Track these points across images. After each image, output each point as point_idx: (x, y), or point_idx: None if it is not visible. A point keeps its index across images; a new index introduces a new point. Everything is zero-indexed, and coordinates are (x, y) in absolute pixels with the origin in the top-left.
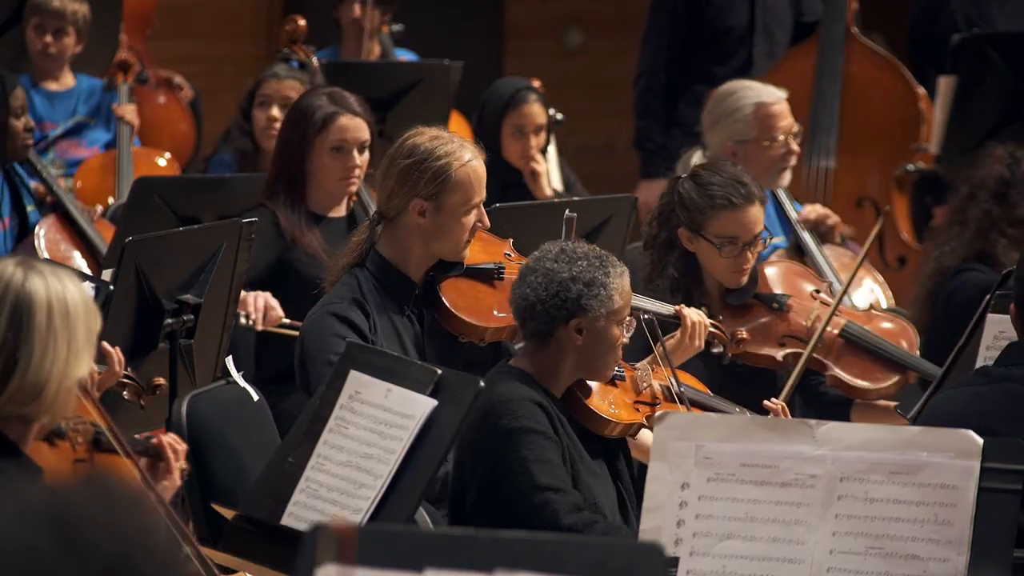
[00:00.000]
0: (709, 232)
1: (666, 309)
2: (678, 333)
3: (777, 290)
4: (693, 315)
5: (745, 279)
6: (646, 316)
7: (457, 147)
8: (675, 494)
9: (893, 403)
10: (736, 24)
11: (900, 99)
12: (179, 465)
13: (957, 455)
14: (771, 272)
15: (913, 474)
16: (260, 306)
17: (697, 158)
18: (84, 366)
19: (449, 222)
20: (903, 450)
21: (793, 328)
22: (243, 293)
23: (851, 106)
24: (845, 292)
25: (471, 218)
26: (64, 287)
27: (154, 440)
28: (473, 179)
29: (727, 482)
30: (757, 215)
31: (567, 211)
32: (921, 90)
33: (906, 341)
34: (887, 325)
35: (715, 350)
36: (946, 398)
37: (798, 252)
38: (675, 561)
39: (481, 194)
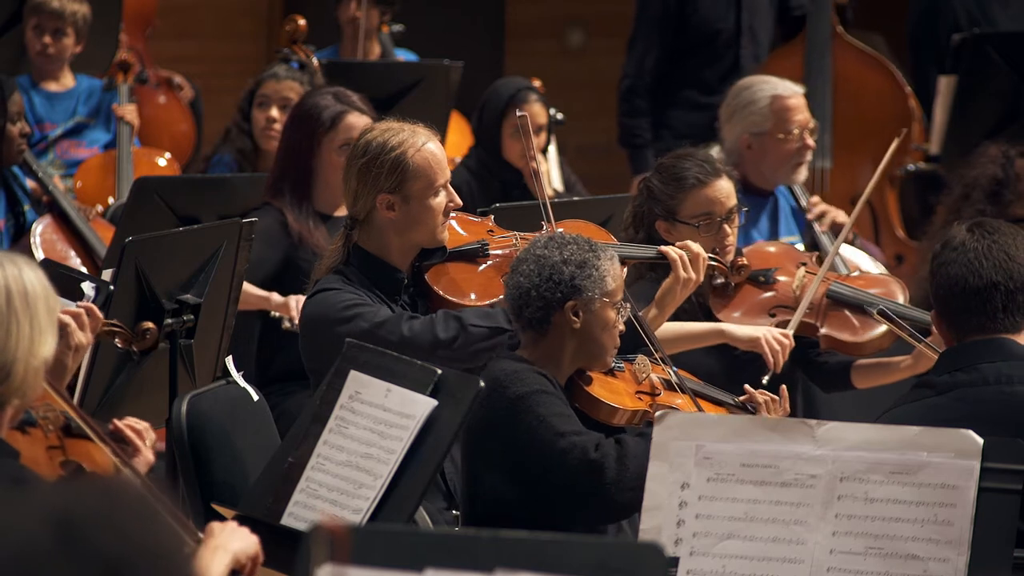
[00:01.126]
0: (684, 214)
1: (649, 252)
2: (671, 276)
3: (763, 266)
4: (673, 250)
5: (730, 259)
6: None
7: (409, 134)
8: (675, 494)
9: (893, 358)
10: (723, 28)
11: (889, 96)
12: (148, 442)
13: (957, 455)
14: (756, 251)
15: (913, 474)
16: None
17: (714, 153)
18: (48, 345)
19: (418, 209)
20: (903, 450)
21: (781, 298)
22: (282, 298)
23: (842, 105)
24: (835, 253)
25: (440, 200)
26: (20, 271)
27: (110, 427)
28: (432, 162)
29: (727, 482)
30: (728, 189)
31: (518, 111)
32: (908, 88)
33: (897, 295)
34: (876, 281)
35: (717, 281)
36: (900, 415)
37: (813, 249)
38: (675, 561)
39: (444, 175)
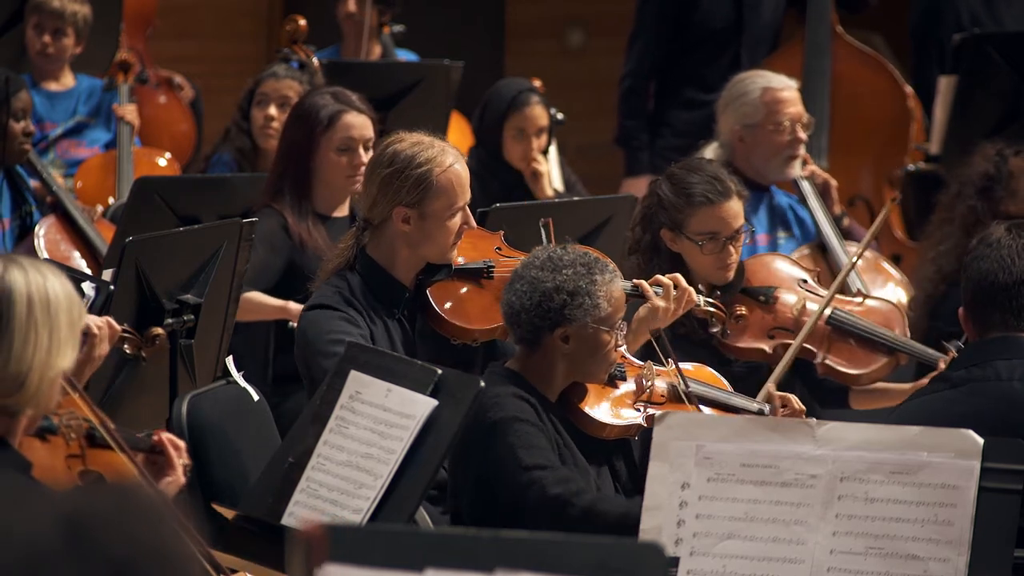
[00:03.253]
0: (690, 230)
1: (626, 285)
2: (647, 304)
3: (764, 282)
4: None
5: (731, 275)
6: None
7: (438, 152)
8: (675, 494)
9: (891, 385)
10: (723, 26)
11: (888, 97)
12: (181, 461)
13: (957, 455)
14: (758, 264)
15: (913, 474)
16: None
17: (711, 150)
18: (67, 357)
19: (434, 227)
20: (903, 450)
21: (780, 320)
22: (290, 304)
23: (840, 106)
24: (842, 278)
25: (456, 221)
26: (45, 279)
27: (154, 437)
28: (455, 183)
29: (727, 482)
30: (736, 209)
31: (541, 219)
32: (908, 88)
33: (896, 324)
34: (876, 309)
35: (714, 329)
36: (914, 408)
37: (821, 250)
38: (675, 561)
39: (465, 197)
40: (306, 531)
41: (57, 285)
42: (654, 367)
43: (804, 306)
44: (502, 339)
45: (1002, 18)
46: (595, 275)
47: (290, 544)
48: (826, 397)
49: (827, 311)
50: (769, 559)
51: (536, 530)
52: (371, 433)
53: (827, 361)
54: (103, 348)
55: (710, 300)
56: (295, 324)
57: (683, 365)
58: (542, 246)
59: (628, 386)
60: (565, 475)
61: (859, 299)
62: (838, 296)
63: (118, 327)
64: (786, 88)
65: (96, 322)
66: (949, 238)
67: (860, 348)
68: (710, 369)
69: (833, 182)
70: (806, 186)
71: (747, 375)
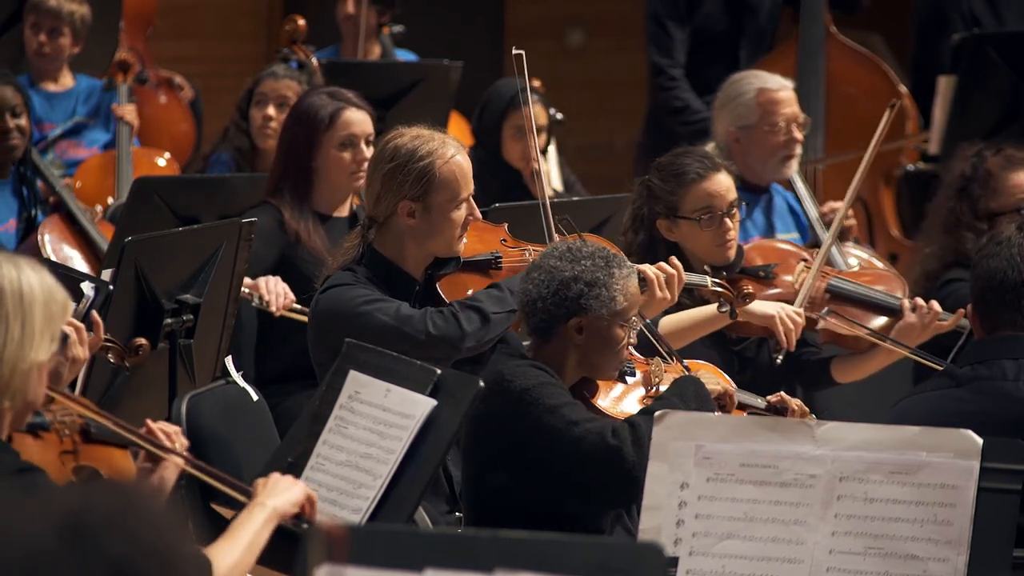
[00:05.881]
0: (686, 210)
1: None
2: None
3: (763, 262)
4: (651, 270)
5: (732, 253)
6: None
7: (439, 144)
8: (675, 494)
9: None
10: (723, 29)
11: (883, 96)
12: (179, 445)
13: (957, 455)
14: (755, 248)
15: (913, 474)
16: (273, 288)
17: (708, 150)
18: (42, 350)
19: (439, 220)
20: (903, 450)
21: (781, 294)
22: (252, 280)
23: (835, 105)
24: (831, 242)
25: (461, 213)
26: (20, 272)
27: (142, 429)
28: (458, 174)
29: (727, 482)
30: (727, 182)
31: (514, 48)
32: (903, 88)
33: (897, 288)
34: (876, 274)
35: (723, 309)
36: (916, 403)
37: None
38: (675, 561)
39: (468, 188)
40: (327, 528)
41: (33, 278)
42: (662, 364)
43: (803, 277)
44: (514, 330)
45: (1004, 18)
46: (613, 268)
47: (312, 543)
48: (810, 378)
49: (825, 280)
50: (768, 559)
51: (587, 481)
52: (370, 433)
53: (828, 326)
54: (78, 351)
55: (717, 280)
56: (257, 302)
57: (689, 361)
58: (563, 239)
59: (638, 383)
60: (612, 424)
61: (857, 267)
62: (835, 269)
63: (101, 334)
64: (781, 89)
65: (71, 324)
66: (933, 241)
67: (861, 311)
68: (715, 367)
69: (852, 222)
70: (800, 187)
71: (749, 360)
